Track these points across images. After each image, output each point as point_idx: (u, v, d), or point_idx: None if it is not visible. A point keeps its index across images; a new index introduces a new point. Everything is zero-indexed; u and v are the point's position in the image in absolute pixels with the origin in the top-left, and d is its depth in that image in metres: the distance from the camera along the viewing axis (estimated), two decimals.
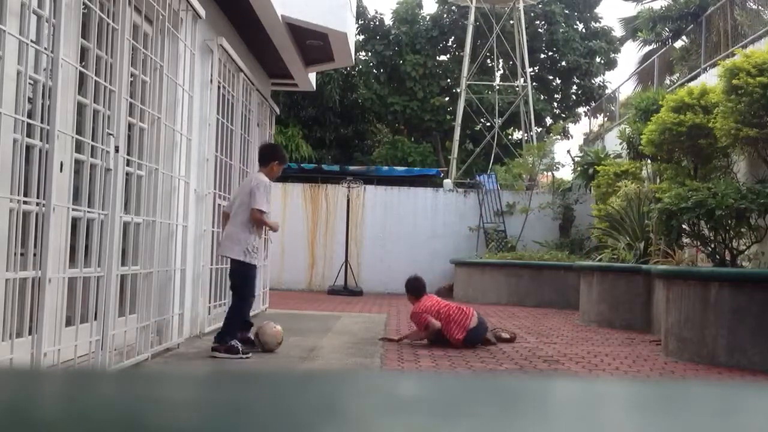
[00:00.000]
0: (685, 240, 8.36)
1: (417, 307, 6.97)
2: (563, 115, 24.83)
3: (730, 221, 6.91)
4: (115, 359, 4.58)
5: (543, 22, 24.79)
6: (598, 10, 29.12)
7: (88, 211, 4.37)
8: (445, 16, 24.52)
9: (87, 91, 4.33)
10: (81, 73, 4.31)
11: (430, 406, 0.53)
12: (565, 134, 24.11)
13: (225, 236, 5.84)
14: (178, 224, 5.84)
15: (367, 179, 16.45)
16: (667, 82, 18.31)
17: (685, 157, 9.85)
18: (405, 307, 11.99)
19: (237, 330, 5.79)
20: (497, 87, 22.89)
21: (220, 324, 7.35)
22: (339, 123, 22.37)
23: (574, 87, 25.29)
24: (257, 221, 5.72)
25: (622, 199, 10.55)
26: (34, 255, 3.81)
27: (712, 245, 7.28)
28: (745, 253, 7.49)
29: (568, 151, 29.02)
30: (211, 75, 6.88)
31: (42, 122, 3.80)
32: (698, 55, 15.55)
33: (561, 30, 24.01)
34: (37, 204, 3.78)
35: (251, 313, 8.62)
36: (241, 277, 5.80)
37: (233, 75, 7.68)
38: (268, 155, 6.01)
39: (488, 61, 24.60)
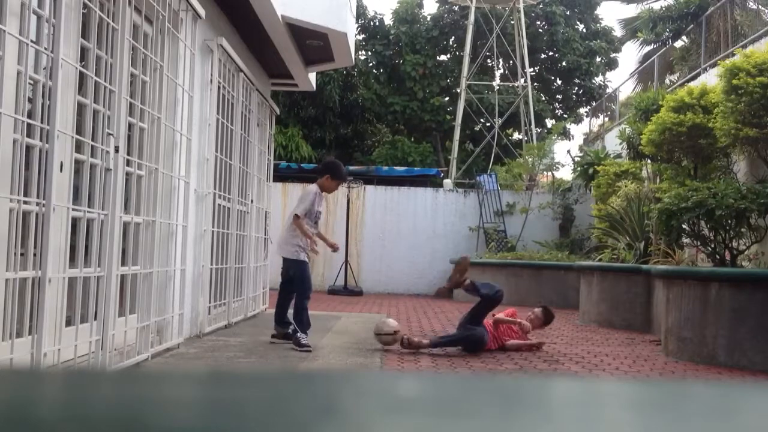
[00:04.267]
0: (685, 240, 8.36)
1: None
2: (564, 116, 24.84)
3: (730, 221, 6.91)
4: (115, 359, 4.58)
5: (543, 23, 24.80)
6: (599, 12, 29.13)
7: (88, 211, 4.37)
8: (445, 16, 24.52)
9: (87, 91, 4.33)
10: (81, 73, 4.31)
11: (430, 406, 0.53)
12: (566, 134, 24.13)
13: (279, 240, 6.73)
14: (178, 224, 5.84)
15: (367, 179, 16.45)
16: (667, 82, 18.30)
17: (685, 157, 9.85)
18: (405, 306, 12.00)
19: (306, 321, 6.28)
20: (497, 87, 22.88)
21: (221, 324, 7.37)
22: (339, 123, 22.37)
23: (575, 87, 25.30)
24: (297, 225, 6.42)
25: (622, 199, 10.55)
26: (34, 255, 3.81)
27: (712, 245, 7.28)
28: (745, 253, 7.48)
29: (568, 151, 29.03)
30: (211, 75, 6.88)
31: (42, 122, 3.80)
32: (698, 55, 15.55)
33: (561, 30, 24.01)
34: (37, 204, 3.78)
35: (251, 312, 8.66)
36: (297, 272, 6.42)
37: (233, 75, 7.68)
38: (323, 169, 6.76)
39: (488, 61, 24.61)
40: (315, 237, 6.53)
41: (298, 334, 6.13)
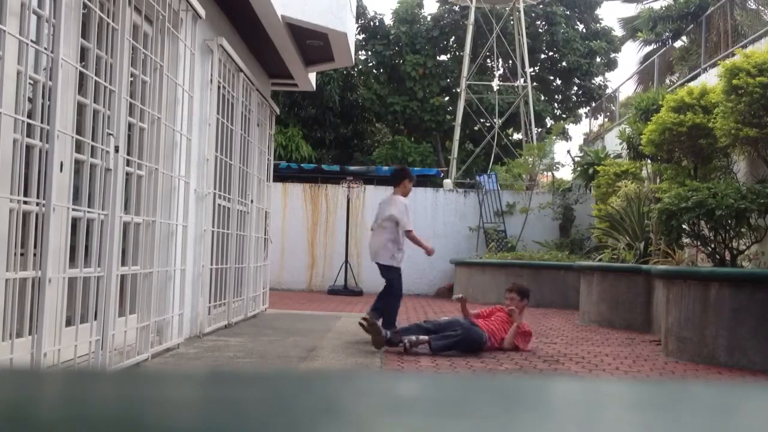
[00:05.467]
0: (685, 240, 8.36)
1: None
2: (563, 116, 24.84)
3: (730, 221, 6.91)
4: (115, 359, 4.58)
5: (543, 23, 24.80)
6: (599, 12, 29.14)
7: (88, 211, 4.37)
8: (445, 16, 24.51)
9: (87, 91, 4.33)
10: (81, 73, 4.31)
11: (430, 406, 0.53)
12: (565, 135, 24.13)
13: (378, 247, 7.02)
14: (178, 224, 5.84)
15: (367, 179, 16.45)
16: (667, 82, 18.31)
17: (685, 157, 9.85)
18: (405, 306, 11.99)
19: (394, 319, 6.88)
20: (497, 87, 22.88)
21: (221, 324, 7.37)
22: (339, 123, 22.37)
23: (575, 87, 25.30)
24: (412, 240, 7.03)
25: (622, 199, 10.55)
26: (34, 255, 3.81)
27: (712, 245, 7.28)
28: (745, 253, 7.48)
29: (568, 151, 29.04)
30: (211, 75, 6.88)
31: (42, 122, 3.80)
32: (698, 55, 15.55)
33: (561, 30, 24.02)
34: (37, 204, 3.78)
35: (251, 312, 8.66)
36: (392, 277, 7.01)
37: (233, 75, 7.68)
38: (399, 176, 7.13)
39: (488, 61, 24.61)
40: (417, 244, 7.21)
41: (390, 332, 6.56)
